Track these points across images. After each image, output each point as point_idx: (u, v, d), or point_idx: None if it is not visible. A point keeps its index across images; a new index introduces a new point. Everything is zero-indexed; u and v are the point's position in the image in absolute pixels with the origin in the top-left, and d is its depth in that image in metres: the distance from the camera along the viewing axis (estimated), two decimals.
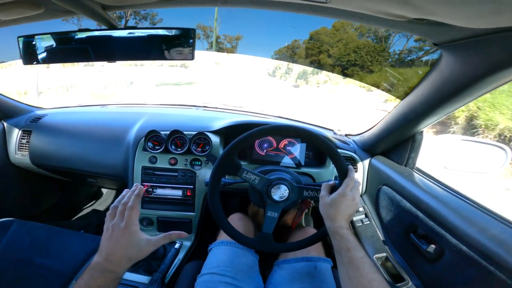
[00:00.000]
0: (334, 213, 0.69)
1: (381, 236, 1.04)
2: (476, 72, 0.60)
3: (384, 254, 0.97)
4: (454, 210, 0.72)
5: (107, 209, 1.91)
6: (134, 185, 0.66)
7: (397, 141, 1.06)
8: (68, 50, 0.81)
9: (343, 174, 0.75)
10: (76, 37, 0.76)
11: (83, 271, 0.55)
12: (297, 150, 1.19)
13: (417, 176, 0.96)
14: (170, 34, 0.76)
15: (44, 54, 0.80)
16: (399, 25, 0.59)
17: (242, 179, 0.82)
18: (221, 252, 0.88)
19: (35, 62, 0.81)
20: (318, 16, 0.63)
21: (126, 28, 0.76)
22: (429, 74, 0.75)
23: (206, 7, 0.71)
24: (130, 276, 0.93)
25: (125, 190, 0.67)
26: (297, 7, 0.61)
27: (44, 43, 0.78)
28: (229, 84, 14.11)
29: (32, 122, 1.38)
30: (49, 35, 0.77)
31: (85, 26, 0.75)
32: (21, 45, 0.78)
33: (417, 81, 0.81)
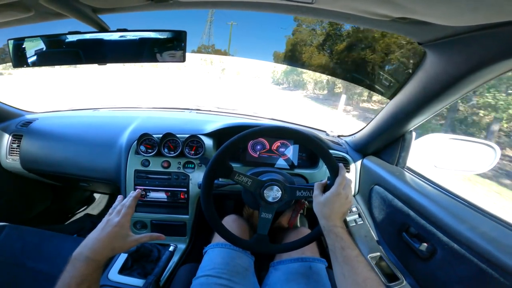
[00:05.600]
0: (328, 211, 0.69)
1: (374, 236, 1.05)
2: (459, 70, 0.62)
3: (378, 254, 0.97)
4: (445, 208, 0.72)
5: (100, 213, 1.90)
6: (133, 191, 0.72)
7: (387, 141, 1.07)
8: (59, 53, 0.80)
9: (334, 173, 0.76)
10: (67, 40, 0.75)
11: None
12: (290, 151, 1.19)
13: (408, 175, 0.97)
14: (162, 36, 0.76)
15: (35, 57, 0.79)
16: (383, 25, 0.61)
17: (234, 182, 0.81)
18: (216, 254, 0.87)
19: (25, 65, 0.81)
20: (306, 16, 0.64)
21: (117, 30, 0.74)
22: (416, 73, 0.76)
23: (196, 9, 0.72)
24: (124, 279, 0.92)
25: (120, 196, 0.76)
26: (285, 8, 0.62)
27: (34, 46, 0.77)
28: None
29: (22, 127, 1.37)
30: (39, 38, 0.76)
31: (75, 28, 0.75)
32: (11, 48, 0.77)
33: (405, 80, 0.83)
